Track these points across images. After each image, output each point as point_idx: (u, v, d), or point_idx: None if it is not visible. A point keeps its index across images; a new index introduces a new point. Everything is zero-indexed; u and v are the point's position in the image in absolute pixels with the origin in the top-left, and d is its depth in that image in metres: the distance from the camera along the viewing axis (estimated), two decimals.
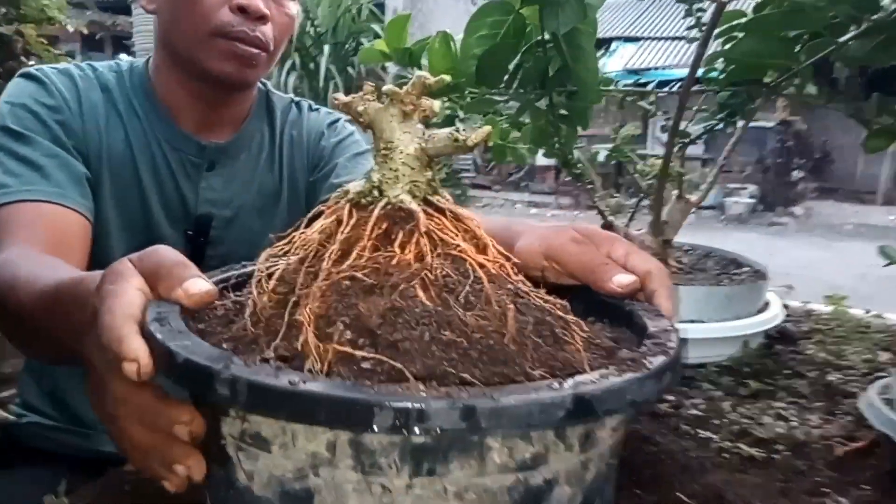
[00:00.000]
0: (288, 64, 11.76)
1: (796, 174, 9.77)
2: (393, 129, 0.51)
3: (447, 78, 0.48)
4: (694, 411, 0.84)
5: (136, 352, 0.41)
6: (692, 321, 0.96)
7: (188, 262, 0.49)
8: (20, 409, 1.04)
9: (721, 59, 0.88)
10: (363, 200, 0.51)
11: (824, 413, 0.87)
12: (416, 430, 0.35)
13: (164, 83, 0.97)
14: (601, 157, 1.11)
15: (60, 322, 0.56)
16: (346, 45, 12.17)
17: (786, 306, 1.21)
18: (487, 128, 0.49)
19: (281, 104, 1.10)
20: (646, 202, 1.18)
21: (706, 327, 0.96)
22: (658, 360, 0.44)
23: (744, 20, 0.81)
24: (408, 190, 0.51)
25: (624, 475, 0.63)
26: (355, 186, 0.52)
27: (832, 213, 9.67)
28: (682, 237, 1.16)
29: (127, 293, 0.46)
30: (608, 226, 1.11)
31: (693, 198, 1.10)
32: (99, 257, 0.89)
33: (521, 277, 0.52)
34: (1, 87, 2.02)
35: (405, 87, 0.50)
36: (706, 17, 0.90)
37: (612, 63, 10.67)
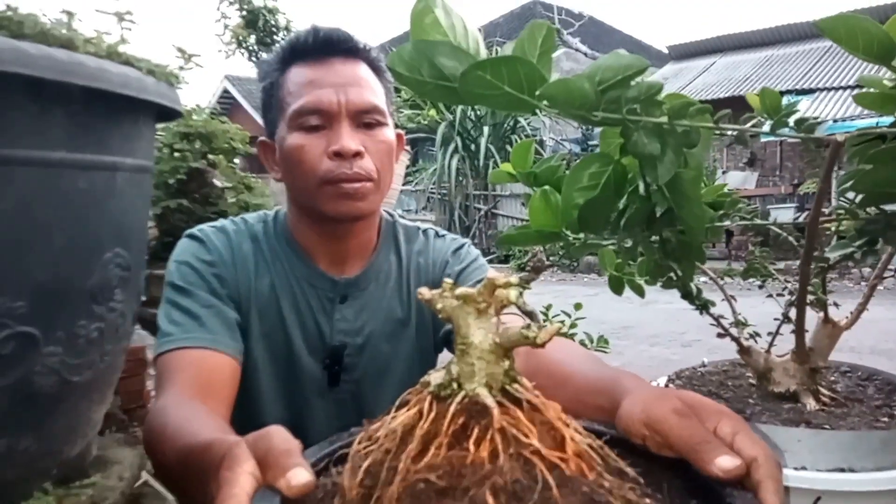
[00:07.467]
0: (451, 147, 12.32)
1: None
2: (468, 326, 0.53)
3: (514, 291, 0.50)
4: None
5: None
6: (839, 469, 0.85)
7: (295, 448, 0.53)
8: None
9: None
10: (443, 393, 0.53)
11: None
12: None
13: (299, 229, 1.10)
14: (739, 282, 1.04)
15: (192, 487, 0.63)
16: (504, 125, 12.59)
17: None
18: (557, 325, 0.50)
19: (407, 234, 1.18)
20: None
21: (855, 478, 0.85)
22: None
23: (871, 150, 0.75)
24: (484, 383, 0.53)
25: None
26: (436, 378, 0.55)
27: None
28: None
29: (238, 482, 0.50)
30: (745, 351, 1.04)
31: (843, 322, 1.00)
32: (249, 388, 1.01)
33: (601, 468, 0.51)
34: (193, 209, 2.34)
35: (477, 288, 0.53)
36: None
37: None
